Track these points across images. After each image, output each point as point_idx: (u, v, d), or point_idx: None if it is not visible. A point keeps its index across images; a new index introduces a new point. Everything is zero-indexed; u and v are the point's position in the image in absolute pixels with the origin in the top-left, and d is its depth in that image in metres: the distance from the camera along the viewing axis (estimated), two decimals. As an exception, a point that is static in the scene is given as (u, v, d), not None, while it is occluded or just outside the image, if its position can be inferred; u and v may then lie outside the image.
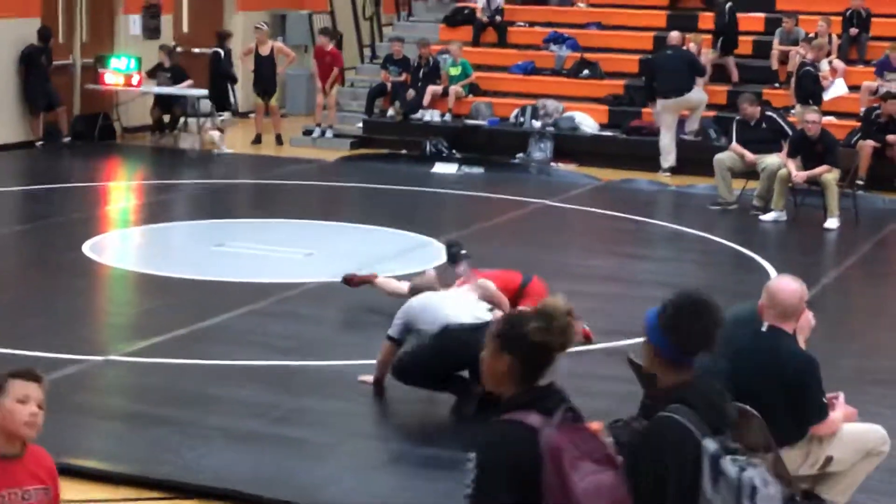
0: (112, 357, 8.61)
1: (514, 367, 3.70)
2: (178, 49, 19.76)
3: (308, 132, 19.44)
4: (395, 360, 7.75)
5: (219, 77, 19.07)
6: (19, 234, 12.81)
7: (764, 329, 5.92)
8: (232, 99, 19.31)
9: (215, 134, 18.61)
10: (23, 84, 17.85)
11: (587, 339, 9.00)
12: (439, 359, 7.58)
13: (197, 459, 6.82)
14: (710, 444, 3.83)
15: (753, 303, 6.53)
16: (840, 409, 5.93)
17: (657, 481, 3.83)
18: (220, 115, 19.12)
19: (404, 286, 9.32)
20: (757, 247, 12.78)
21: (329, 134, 19.23)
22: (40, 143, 18.06)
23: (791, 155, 14.34)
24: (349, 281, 9.97)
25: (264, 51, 19.12)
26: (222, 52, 19.21)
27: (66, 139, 18.33)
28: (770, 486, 3.81)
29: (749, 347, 5.97)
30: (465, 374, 7.60)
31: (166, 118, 19.51)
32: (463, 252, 9.64)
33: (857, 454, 5.86)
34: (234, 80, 19.32)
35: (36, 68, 17.74)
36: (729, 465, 3.81)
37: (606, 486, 3.63)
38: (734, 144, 15.05)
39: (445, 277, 9.25)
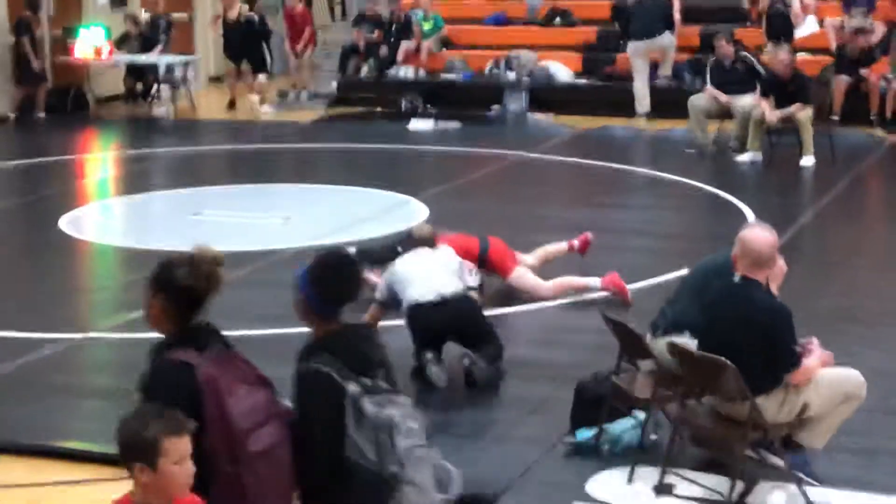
0: (92, 334, 8.59)
1: (167, 308, 4.19)
2: (150, 15, 19.59)
3: (283, 94, 19.33)
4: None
5: (255, 40, 18.90)
6: (-5, 212, 12.76)
7: (736, 280, 5.93)
8: (268, 61, 19.16)
9: (254, 98, 18.52)
10: (16, 57, 17.76)
11: (622, 297, 8.99)
12: (415, 336, 7.65)
13: (180, 434, 6.81)
14: (351, 387, 4.23)
15: (728, 252, 6.55)
16: (816, 355, 5.95)
17: (315, 427, 4.23)
18: (260, 78, 18.94)
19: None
20: (734, 189, 12.78)
21: (304, 96, 19.12)
22: (41, 113, 18.04)
23: (764, 95, 14.31)
24: None
25: (232, 15, 18.97)
26: (257, 17, 19.07)
27: (41, 114, 18.22)
28: (410, 420, 4.25)
29: (722, 298, 5.99)
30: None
31: (139, 87, 19.40)
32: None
33: (835, 400, 5.88)
34: (268, 43, 19.20)
35: (31, 39, 17.67)
36: (368, 404, 4.19)
37: (262, 403, 4.13)
38: (709, 87, 15.02)
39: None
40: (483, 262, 9.08)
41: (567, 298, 9.09)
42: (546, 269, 9.38)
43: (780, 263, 6.03)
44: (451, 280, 7.75)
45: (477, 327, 7.68)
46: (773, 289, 5.94)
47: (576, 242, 9.68)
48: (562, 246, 9.60)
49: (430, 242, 8.12)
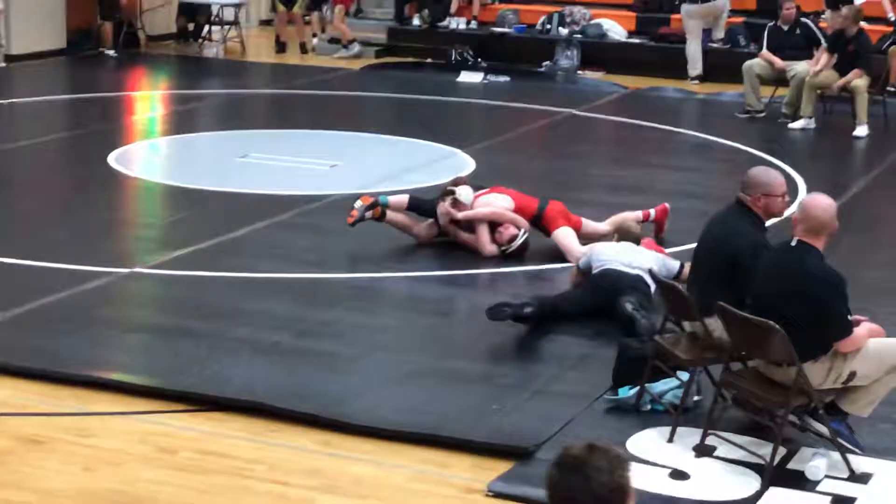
0: (137, 269, 8.65)
1: None
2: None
3: (335, 40, 19.28)
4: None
5: None
6: (46, 145, 12.81)
7: (793, 244, 5.89)
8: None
9: (309, 32, 18.57)
10: None
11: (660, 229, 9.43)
12: (591, 292, 7.82)
13: (222, 372, 6.87)
14: None
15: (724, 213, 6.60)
16: (866, 326, 5.90)
17: None
18: (315, 15, 18.92)
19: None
20: (785, 155, 12.65)
21: (356, 48, 18.90)
22: (111, 50, 18.14)
23: (830, 50, 14.09)
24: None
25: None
26: None
27: (111, 51, 18.29)
28: None
29: (776, 262, 5.95)
30: None
31: (191, 26, 19.41)
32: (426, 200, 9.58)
33: (882, 369, 5.83)
34: None
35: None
36: None
37: None
38: (764, 51, 14.85)
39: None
40: (538, 220, 9.15)
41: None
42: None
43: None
44: (640, 263, 7.94)
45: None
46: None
47: (652, 212, 9.59)
48: (636, 215, 9.53)
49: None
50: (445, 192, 9.25)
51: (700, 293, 6.30)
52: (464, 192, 9.20)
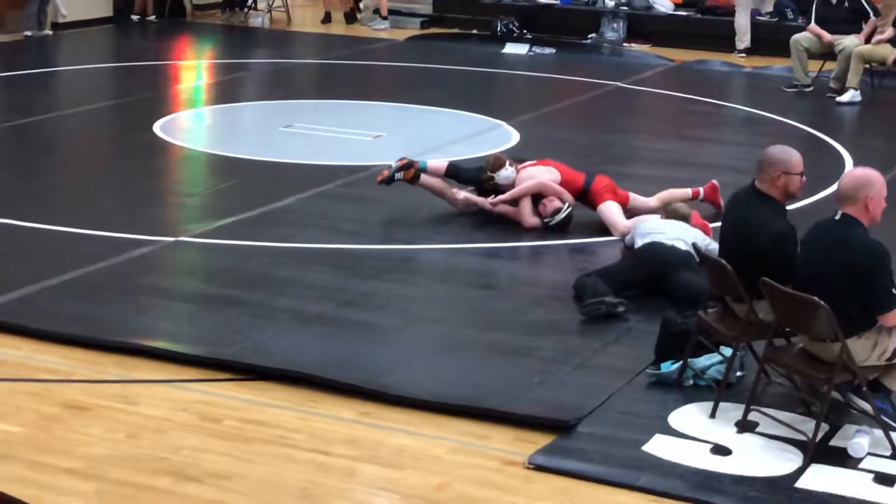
0: (182, 238, 8.70)
1: None
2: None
3: (375, 10, 19.25)
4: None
5: None
6: (92, 113, 12.89)
7: (836, 217, 5.85)
8: None
9: (369, 5, 18.60)
10: None
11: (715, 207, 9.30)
12: (636, 265, 7.81)
13: (265, 341, 6.91)
14: None
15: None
16: (911, 302, 5.85)
17: None
18: None
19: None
20: (832, 130, 12.55)
21: (386, 24, 18.78)
22: (152, 17, 18.24)
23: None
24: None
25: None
26: None
27: (152, 17, 18.38)
28: None
29: (820, 235, 5.91)
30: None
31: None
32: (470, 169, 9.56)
33: (928, 347, 5.79)
34: None
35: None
36: None
37: None
38: (812, 24, 14.70)
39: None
40: (584, 194, 9.13)
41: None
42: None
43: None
44: (686, 238, 7.90)
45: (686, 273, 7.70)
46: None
47: (701, 190, 9.52)
48: (685, 192, 9.47)
49: (685, 219, 8.31)
50: (486, 176, 9.18)
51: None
52: (503, 174, 9.17)
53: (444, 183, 9.49)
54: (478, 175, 9.29)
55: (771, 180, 6.30)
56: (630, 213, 9.06)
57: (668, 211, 8.52)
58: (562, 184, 9.11)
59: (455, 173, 9.47)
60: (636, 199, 9.23)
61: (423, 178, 9.38)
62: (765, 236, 6.18)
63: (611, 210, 8.97)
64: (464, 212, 9.36)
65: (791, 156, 6.37)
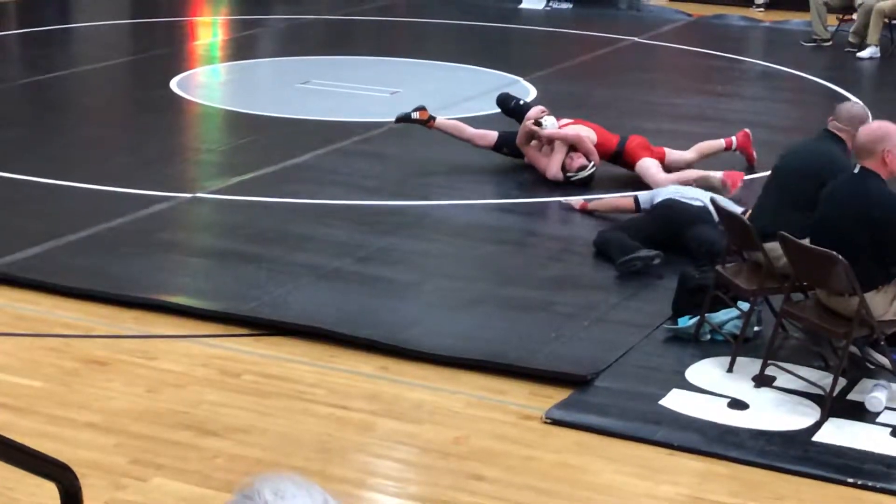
0: (199, 194, 8.71)
1: None
2: None
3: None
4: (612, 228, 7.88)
5: None
6: (108, 69, 12.89)
7: (856, 171, 5.83)
8: None
9: None
10: None
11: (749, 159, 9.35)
12: (652, 222, 7.79)
13: (283, 296, 6.93)
14: None
15: (810, 143, 6.56)
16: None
17: None
18: None
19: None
20: (850, 85, 12.47)
21: None
22: None
23: None
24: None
25: None
26: None
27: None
28: None
29: (838, 190, 5.89)
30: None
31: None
32: (522, 102, 9.72)
33: (945, 301, 5.78)
34: None
35: None
36: None
37: None
38: (832, -22, 14.58)
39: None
40: (618, 155, 9.17)
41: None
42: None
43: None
44: (702, 195, 7.89)
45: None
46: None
47: (734, 139, 9.48)
48: (719, 143, 9.44)
49: (718, 192, 8.19)
50: (531, 125, 9.23)
51: (774, 216, 6.32)
52: (549, 121, 9.20)
53: (460, 124, 9.52)
54: (521, 116, 9.34)
55: (846, 135, 6.26)
56: (668, 168, 9.05)
57: (700, 182, 8.46)
58: (597, 145, 9.11)
59: (504, 100, 9.75)
60: (672, 153, 9.22)
61: (439, 120, 9.44)
62: (836, 169, 6.09)
63: (648, 167, 8.95)
64: (480, 146, 9.43)
65: (865, 114, 6.31)
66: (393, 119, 9.74)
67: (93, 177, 8.91)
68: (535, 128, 9.17)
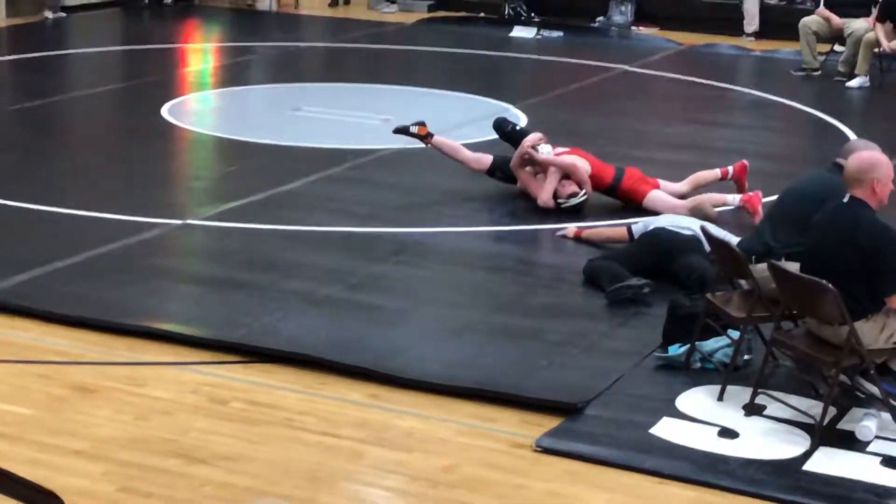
0: (190, 221, 8.71)
1: None
2: None
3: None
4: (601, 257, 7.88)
5: None
6: (99, 96, 12.90)
7: (846, 200, 5.84)
8: None
9: None
10: None
11: (741, 188, 9.23)
12: (642, 250, 7.79)
13: (273, 323, 6.92)
14: None
15: (818, 174, 6.58)
16: (919, 286, 5.85)
17: None
18: None
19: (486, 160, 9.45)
20: (840, 114, 12.53)
21: (393, 7, 18.77)
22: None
23: (880, 20, 13.93)
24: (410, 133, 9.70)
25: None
26: None
27: (169, 0, 18.42)
28: None
29: (828, 218, 5.91)
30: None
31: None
32: (518, 127, 9.78)
33: (935, 330, 5.79)
34: None
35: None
36: None
37: None
38: (821, 7, 14.66)
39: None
40: (614, 190, 9.18)
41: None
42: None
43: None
44: (692, 224, 7.92)
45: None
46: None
47: (730, 169, 9.48)
48: (714, 173, 9.45)
49: (715, 221, 8.34)
50: (525, 151, 9.25)
51: (773, 236, 6.48)
52: (545, 148, 9.22)
53: (457, 144, 9.55)
54: (517, 141, 9.39)
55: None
56: None
57: (694, 211, 8.50)
58: (591, 176, 9.12)
59: (499, 125, 9.76)
60: (666, 185, 9.23)
61: (437, 138, 9.48)
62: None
63: (659, 197, 8.93)
64: (475, 169, 9.47)
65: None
66: (384, 141, 9.77)
67: (83, 203, 8.90)
68: (532, 151, 9.18)
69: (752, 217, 8.79)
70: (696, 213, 8.45)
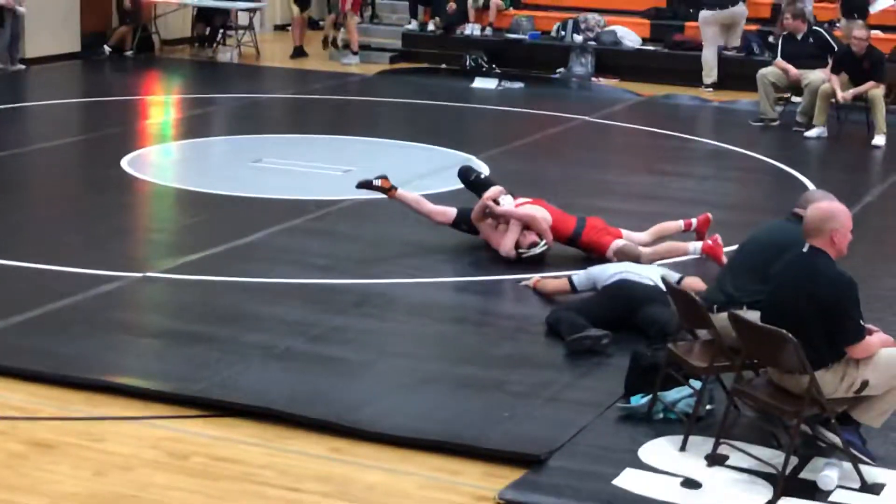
0: (150, 274, 8.65)
1: None
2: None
3: (348, 45, 19.29)
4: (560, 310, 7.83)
5: None
6: (59, 148, 12.85)
7: (805, 249, 5.88)
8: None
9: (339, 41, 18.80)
10: None
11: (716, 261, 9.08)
12: (606, 302, 7.77)
13: (234, 377, 6.87)
14: None
15: (779, 224, 6.62)
16: (878, 335, 5.88)
17: None
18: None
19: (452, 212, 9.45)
20: (798, 164, 12.65)
21: (355, 59, 18.84)
22: (130, 52, 18.37)
23: (835, 71, 14.11)
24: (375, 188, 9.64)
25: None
26: None
27: (129, 52, 18.42)
28: None
29: (788, 268, 5.94)
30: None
31: (207, 31, 19.48)
32: (483, 176, 9.81)
33: (894, 379, 5.81)
34: None
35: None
36: None
37: None
38: (778, 59, 14.83)
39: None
40: (575, 240, 9.21)
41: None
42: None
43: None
44: (649, 273, 7.98)
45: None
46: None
47: (693, 221, 9.53)
48: (677, 224, 9.51)
49: (637, 260, 8.45)
50: (486, 204, 9.26)
51: (734, 285, 6.53)
52: (506, 200, 9.24)
53: (420, 197, 9.55)
54: (482, 189, 9.40)
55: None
56: None
57: (617, 252, 8.60)
58: (552, 227, 9.14)
59: (465, 174, 9.75)
60: (629, 235, 9.25)
61: (401, 191, 9.47)
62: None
63: (626, 247, 8.90)
64: (440, 223, 9.45)
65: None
66: (345, 193, 9.74)
67: (42, 256, 8.83)
68: (491, 204, 9.20)
69: (717, 263, 8.88)
70: (620, 256, 8.54)
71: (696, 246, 9.20)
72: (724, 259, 8.83)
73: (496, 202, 9.24)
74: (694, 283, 8.03)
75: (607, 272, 8.09)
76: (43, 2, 17.45)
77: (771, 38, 16.51)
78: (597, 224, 9.24)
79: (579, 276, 8.25)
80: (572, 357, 7.33)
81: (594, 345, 7.33)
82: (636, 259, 8.47)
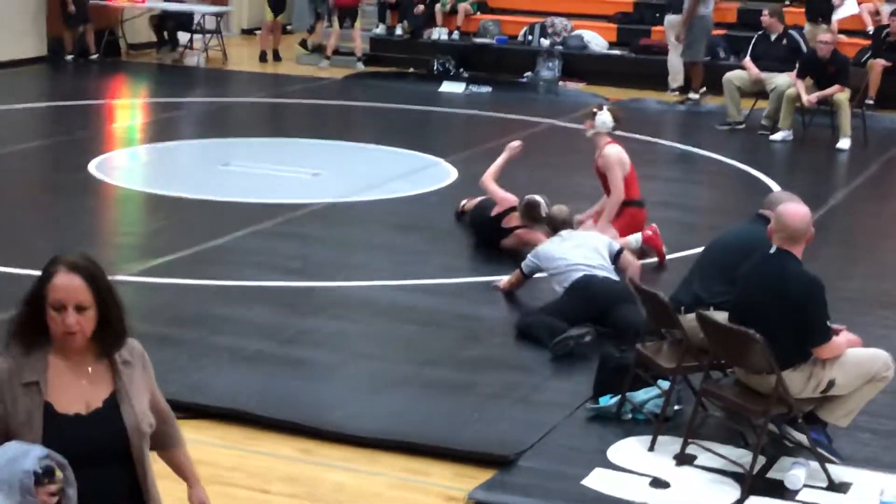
0: (118, 277, 8.61)
1: None
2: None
3: (317, 49, 19.28)
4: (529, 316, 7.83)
5: None
6: (25, 152, 12.78)
7: (772, 252, 5.92)
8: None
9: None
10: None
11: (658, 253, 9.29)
12: (576, 304, 7.76)
13: (204, 380, 6.86)
14: None
15: (748, 226, 6.65)
16: (845, 336, 5.94)
17: None
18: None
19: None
20: (764, 167, 12.73)
21: (326, 63, 18.89)
22: (70, 56, 18.16)
23: (801, 76, 14.21)
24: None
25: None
26: None
27: (94, 56, 18.32)
28: None
29: (756, 270, 5.98)
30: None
31: (173, 35, 19.42)
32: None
33: (860, 379, 5.87)
34: None
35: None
36: None
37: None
38: (746, 59, 14.91)
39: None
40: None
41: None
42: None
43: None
44: (601, 260, 7.99)
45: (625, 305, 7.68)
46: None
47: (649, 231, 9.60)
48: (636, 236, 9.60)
49: (570, 224, 8.42)
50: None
51: (700, 287, 6.54)
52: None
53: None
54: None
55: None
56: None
57: (549, 219, 8.57)
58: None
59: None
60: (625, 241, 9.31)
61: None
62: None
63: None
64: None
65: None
66: (314, 196, 9.75)
67: (8, 260, 8.78)
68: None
69: (657, 252, 9.13)
70: (552, 222, 8.53)
71: (636, 237, 9.29)
72: (664, 248, 9.22)
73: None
74: (632, 261, 8.41)
75: (554, 257, 8.04)
76: (8, 6, 17.37)
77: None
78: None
79: (526, 262, 8.30)
80: (541, 359, 7.36)
81: (577, 344, 7.35)
82: (568, 223, 8.40)
